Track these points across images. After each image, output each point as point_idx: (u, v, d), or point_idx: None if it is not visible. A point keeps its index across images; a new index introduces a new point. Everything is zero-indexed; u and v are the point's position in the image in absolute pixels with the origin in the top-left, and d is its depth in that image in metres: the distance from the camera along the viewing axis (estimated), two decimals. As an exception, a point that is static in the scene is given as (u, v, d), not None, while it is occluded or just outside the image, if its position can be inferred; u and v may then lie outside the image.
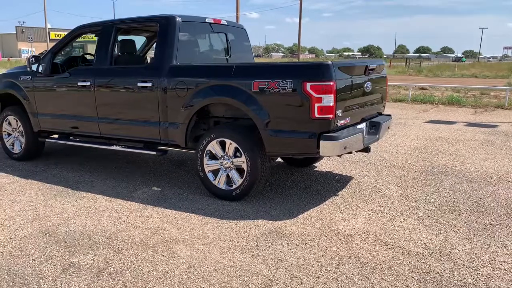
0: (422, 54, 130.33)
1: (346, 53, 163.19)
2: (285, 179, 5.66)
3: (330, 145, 4.22)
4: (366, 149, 5.11)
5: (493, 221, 4.25)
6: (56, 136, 6.40)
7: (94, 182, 5.50)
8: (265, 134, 4.44)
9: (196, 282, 3.14)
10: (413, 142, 7.99)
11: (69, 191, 5.14)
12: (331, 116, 4.21)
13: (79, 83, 5.61)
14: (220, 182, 4.83)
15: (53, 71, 5.93)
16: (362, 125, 4.96)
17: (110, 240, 3.81)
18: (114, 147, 5.60)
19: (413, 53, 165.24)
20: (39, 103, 6.14)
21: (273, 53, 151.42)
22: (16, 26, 69.02)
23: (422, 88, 17.96)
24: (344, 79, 4.36)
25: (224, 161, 4.77)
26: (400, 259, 3.46)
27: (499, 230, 4.02)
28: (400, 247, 3.67)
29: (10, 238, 3.86)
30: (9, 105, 6.67)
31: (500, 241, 3.80)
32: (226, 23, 5.88)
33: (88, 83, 5.52)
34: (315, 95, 4.14)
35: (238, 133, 4.63)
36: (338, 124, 4.34)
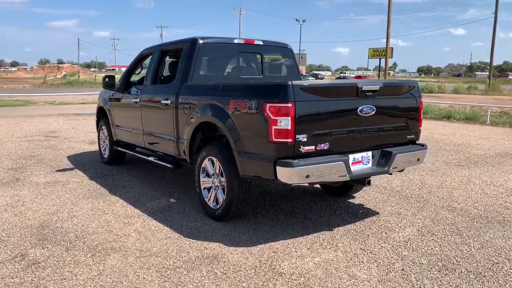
0: None
1: None
2: (301, 205, 5.29)
3: (286, 172, 3.88)
4: (363, 182, 4.45)
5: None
6: (120, 146, 7.21)
7: (129, 188, 6.10)
8: (236, 155, 4.32)
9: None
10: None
11: (105, 194, 5.82)
12: (289, 140, 3.86)
13: (133, 100, 6.33)
14: (210, 200, 4.85)
15: (126, 88, 6.80)
16: (363, 154, 4.35)
17: (78, 239, 4.23)
18: (150, 159, 6.11)
19: None
20: (114, 116, 7.13)
21: (477, 72, 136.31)
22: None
23: None
24: (312, 101, 3.94)
25: (215, 179, 4.78)
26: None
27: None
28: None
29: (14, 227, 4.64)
30: (105, 117, 7.89)
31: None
32: (261, 43, 5.85)
33: (138, 100, 6.19)
34: (272, 117, 3.87)
35: (220, 153, 4.59)
36: (303, 150, 3.93)
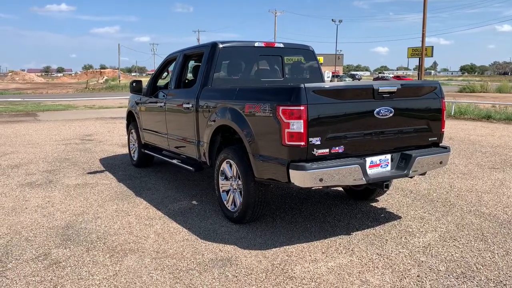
0: None
1: None
2: (321, 208, 5.24)
3: (299, 175, 3.86)
4: (381, 185, 4.35)
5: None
6: (148, 149, 7.36)
7: (154, 190, 6.23)
8: (251, 158, 4.33)
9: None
10: None
11: (130, 196, 5.97)
12: (302, 143, 3.84)
13: (158, 104, 6.47)
14: (228, 203, 4.89)
15: (152, 92, 6.96)
16: (381, 157, 4.27)
17: (99, 239, 4.37)
18: (174, 161, 6.22)
19: None
20: (142, 119, 7.31)
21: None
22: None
23: None
24: (325, 104, 3.90)
25: (233, 182, 4.81)
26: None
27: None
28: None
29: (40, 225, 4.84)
30: (134, 120, 8.08)
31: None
32: (282, 46, 5.85)
33: (162, 103, 6.32)
34: (285, 120, 3.87)
35: (237, 156, 4.62)
36: (316, 153, 3.89)
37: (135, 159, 7.93)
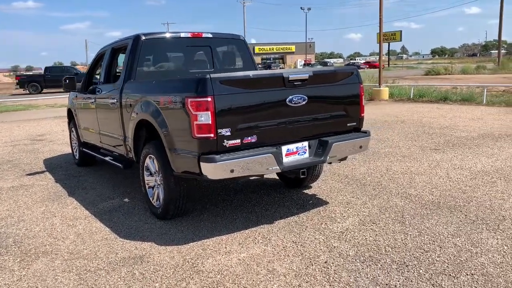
0: None
1: None
2: (252, 198, 5.21)
3: (209, 168, 3.80)
4: (298, 173, 4.34)
5: None
6: (87, 147, 7.20)
7: (89, 189, 6.09)
8: (168, 151, 4.26)
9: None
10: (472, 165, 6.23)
11: (63, 197, 5.82)
12: (211, 135, 3.78)
13: (89, 100, 6.31)
14: (154, 199, 4.81)
15: (86, 89, 6.77)
16: (298, 145, 4.25)
17: (15, 244, 4.24)
18: (106, 159, 6.09)
19: None
20: (79, 117, 7.13)
21: (492, 51, 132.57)
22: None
23: None
24: (234, 94, 3.84)
25: (156, 177, 4.73)
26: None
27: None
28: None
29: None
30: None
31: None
32: (210, 36, 5.75)
33: (93, 100, 6.17)
34: (193, 112, 3.79)
35: (157, 151, 4.53)
36: (227, 145, 3.84)
37: (77, 158, 7.75)
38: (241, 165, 3.84)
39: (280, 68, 62.05)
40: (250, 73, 4.04)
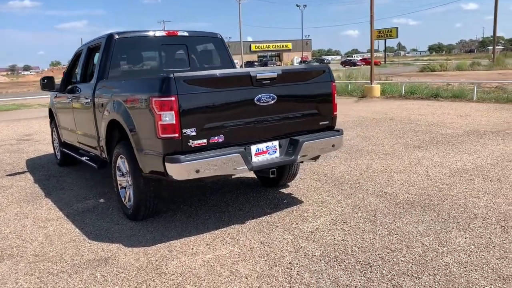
0: None
1: None
2: (228, 198, 5.16)
3: (174, 168, 3.75)
4: (267, 173, 4.30)
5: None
6: (67, 147, 7.13)
7: (67, 190, 6.04)
8: (136, 152, 4.21)
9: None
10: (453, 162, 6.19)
11: (39, 198, 5.77)
12: (176, 135, 3.72)
13: (66, 99, 6.26)
14: (126, 199, 4.76)
15: (64, 88, 6.70)
16: (268, 144, 4.20)
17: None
18: (83, 159, 6.03)
19: None
20: (58, 116, 7.07)
21: (489, 47, 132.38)
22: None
23: None
24: (199, 93, 3.78)
25: (128, 178, 4.68)
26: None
27: None
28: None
29: None
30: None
31: None
32: (186, 34, 5.69)
33: (69, 99, 6.11)
34: (158, 112, 3.74)
35: (127, 150, 4.48)
36: (193, 145, 3.79)
37: (59, 158, 7.70)
38: (207, 165, 3.79)
39: (276, 66, 61.68)
40: (217, 72, 3.98)
